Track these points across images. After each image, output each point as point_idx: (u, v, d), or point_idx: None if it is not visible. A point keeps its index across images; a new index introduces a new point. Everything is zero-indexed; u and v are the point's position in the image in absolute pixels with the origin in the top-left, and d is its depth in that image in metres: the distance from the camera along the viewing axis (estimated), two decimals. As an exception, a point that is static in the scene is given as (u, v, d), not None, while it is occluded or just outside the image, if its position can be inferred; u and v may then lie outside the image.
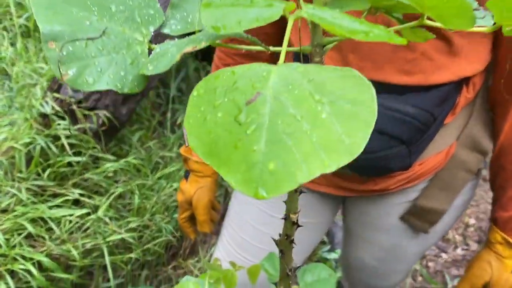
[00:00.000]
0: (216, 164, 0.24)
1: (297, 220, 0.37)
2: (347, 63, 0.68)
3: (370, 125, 0.22)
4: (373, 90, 0.24)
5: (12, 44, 1.88)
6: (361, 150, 0.22)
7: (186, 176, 1.00)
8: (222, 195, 1.86)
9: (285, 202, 0.37)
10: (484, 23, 0.34)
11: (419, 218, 0.84)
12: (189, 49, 0.31)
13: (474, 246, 1.93)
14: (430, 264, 1.85)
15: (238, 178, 0.23)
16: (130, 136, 1.81)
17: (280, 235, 0.39)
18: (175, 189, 1.65)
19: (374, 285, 1.06)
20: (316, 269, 0.72)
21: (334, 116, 0.23)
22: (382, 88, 0.68)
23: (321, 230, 0.96)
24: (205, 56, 2.35)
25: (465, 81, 0.73)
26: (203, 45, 0.31)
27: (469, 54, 0.69)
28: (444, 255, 1.89)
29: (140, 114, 2.03)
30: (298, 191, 0.36)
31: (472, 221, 2.02)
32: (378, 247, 0.93)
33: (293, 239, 0.38)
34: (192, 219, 1.04)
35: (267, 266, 0.71)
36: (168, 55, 0.32)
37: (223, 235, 1.00)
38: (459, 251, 1.91)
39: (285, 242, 0.38)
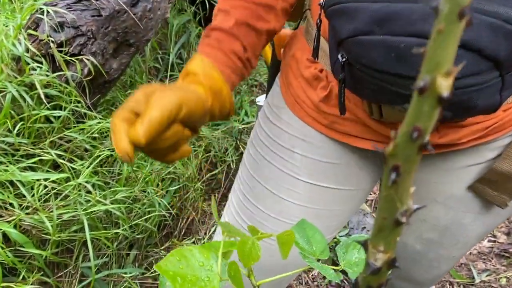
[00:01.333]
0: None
1: (451, 93, 0.16)
2: None
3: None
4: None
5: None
6: None
7: None
8: (219, 168, 1.65)
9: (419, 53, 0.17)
10: None
11: (495, 187, 0.63)
12: None
13: (502, 238, 1.74)
14: (454, 256, 1.65)
15: None
16: (123, 99, 1.60)
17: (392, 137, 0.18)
18: (172, 160, 1.44)
19: (408, 277, 0.86)
20: (348, 249, 0.51)
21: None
22: None
23: (359, 201, 0.75)
24: (208, 24, 2.14)
25: None
26: None
27: None
28: (469, 247, 1.69)
29: (135, 79, 1.82)
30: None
31: (500, 210, 1.82)
32: (430, 225, 0.72)
33: (427, 142, 0.18)
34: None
35: (297, 236, 0.51)
36: None
37: (231, 203, 0.79)
38: (485, 243, 1.71)
39: (407, 143, 0.18)
